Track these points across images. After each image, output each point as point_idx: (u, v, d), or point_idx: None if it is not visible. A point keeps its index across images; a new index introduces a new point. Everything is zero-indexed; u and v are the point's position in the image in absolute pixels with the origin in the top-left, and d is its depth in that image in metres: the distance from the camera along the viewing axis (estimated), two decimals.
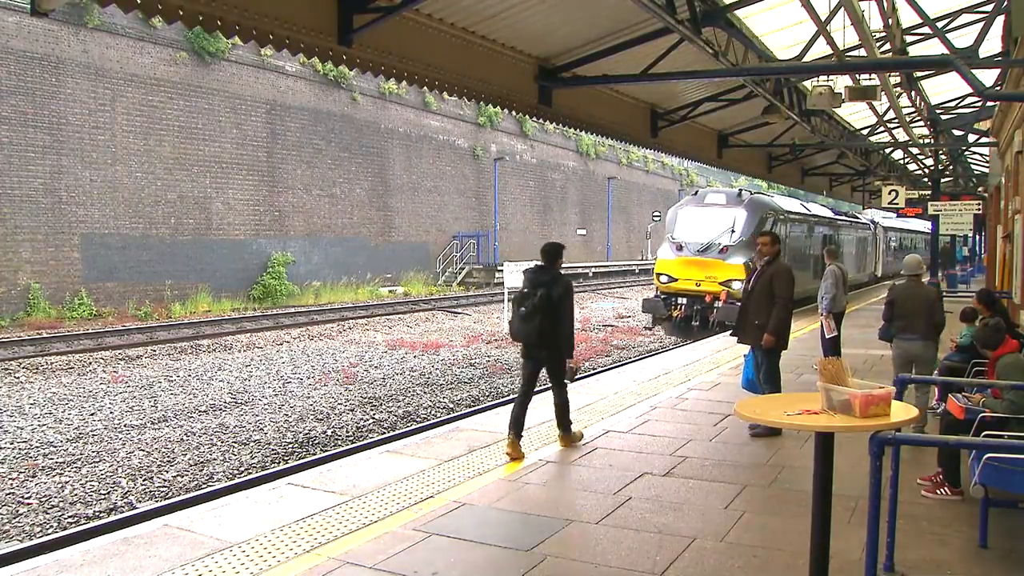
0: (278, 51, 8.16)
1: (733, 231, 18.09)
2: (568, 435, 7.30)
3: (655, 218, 51.63)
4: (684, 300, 18.25)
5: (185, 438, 10.31)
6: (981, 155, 28.01)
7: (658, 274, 18.91)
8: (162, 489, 8.53)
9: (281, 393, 13.18)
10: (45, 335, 18.27)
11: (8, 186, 20.69)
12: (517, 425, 6.92)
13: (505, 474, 6.37)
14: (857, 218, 31.30)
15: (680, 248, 18.54)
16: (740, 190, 19.29)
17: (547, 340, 6.92)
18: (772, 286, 7.88)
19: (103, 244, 22.85)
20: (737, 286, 16.39)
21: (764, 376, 7.95)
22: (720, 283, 17.63)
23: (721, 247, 18.02)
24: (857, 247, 29.38)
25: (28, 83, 21.04)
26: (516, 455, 6.83)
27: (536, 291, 6.90)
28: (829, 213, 26.71)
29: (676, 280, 18.36)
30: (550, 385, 7.37)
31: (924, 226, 44.29)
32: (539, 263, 7.21)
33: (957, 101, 20.36)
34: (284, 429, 10.89)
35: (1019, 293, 12.59)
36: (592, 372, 14.02)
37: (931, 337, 7.84)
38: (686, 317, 18.32)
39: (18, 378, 14.01)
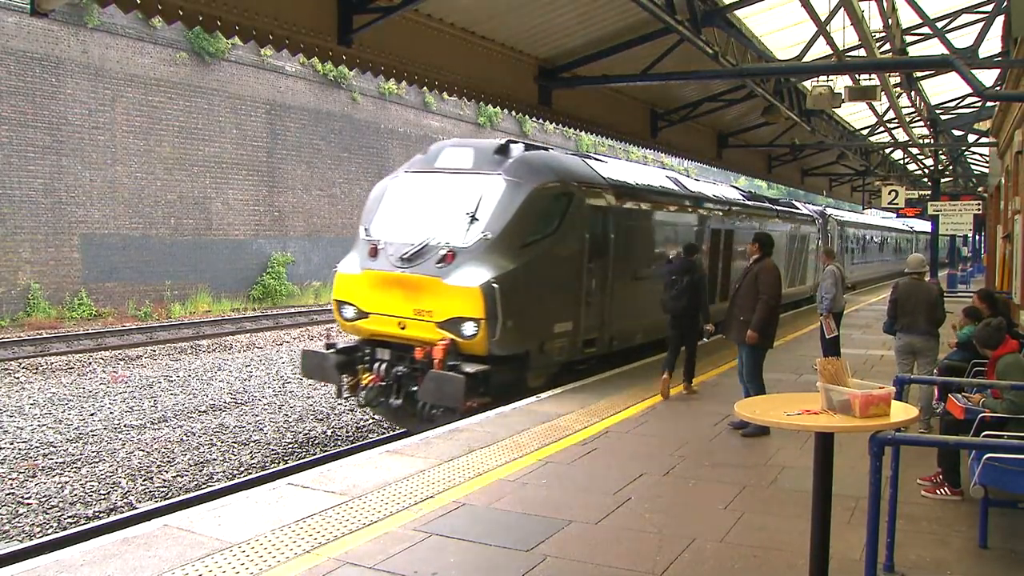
0: (278, 51, 8.17)
1: (475, 218, 9.30)
2: (690, 385, 9.74)
3: None
4: (387, 355, 9.56)
5: (185, 438, 10.31)
6: (981, 155, 28.04)
7: (338, 302, 9.97)
8: (162, 489, 8.53)
9: (281, 393, 13.18)
10: (45, 335, 18.26)
11: (8, 186, 20.68)
12: (669, 365, 9.47)
13: (505, 474, 6.37)
14: (795, 208, 22.31)
15: (375, 253, 9.64)
16: (507, 142, 10.15)
17: (689, 313, 9.53)
18: (757, 284, 7.92)
19: (103, 244, 22.85)
20: (471, 330, 8.82)
21: (747, 375, 8.07)
22: (439, 324, 9.03)
23: (444, 252, 9.16)
24: (790, 248, 20.30)
25: (28, 83, 21.04)
26: (665, 393, 9.33)
27: (683, 277, 9.51)
28: (720, 192, 16.84)
29: (366, 315, 9.63)
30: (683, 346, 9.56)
31: (900, 223, 40.60)
32: (681, 255, 10.10)
33: (957, 101, 20.39)
34: (284, 429, 10.89)
35: (1019, 293, 12.59)
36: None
37: (933, 333, 8.10)
38: (390, 387, 9.46)
39: (18, 378, 14.00)
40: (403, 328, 9.34)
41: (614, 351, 11.33)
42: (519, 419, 8.21)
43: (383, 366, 9.46)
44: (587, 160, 11.49)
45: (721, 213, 15.38)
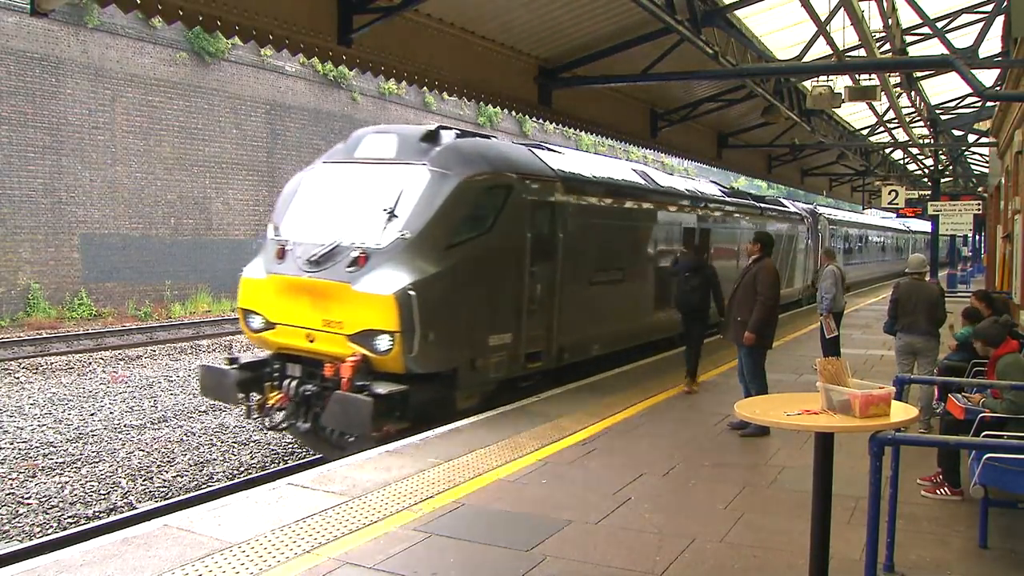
0: (278, 51, 8.17)
1: (393, 215, 8.09)
2: (694, 381, 9.92)
3: None
4: (298, 371, 8.35)
5: (185, 438, 10.31)
6: (981, 155, 28.04)
7: (244, 311, 8.82)
8: (162, 489, 8.53)
9: None
10: (45, 335, 18.26)
11: (8, 186, 20.68)
12: (692, 366, 9.94)
13: (505, 474, 6.37)
14: (782, 206, 20.87)
15: (282, 255, 8.51)
16: (437, 128, 8.95)
17: (701, 309, 9.88)
18: (756, 284, 7.90)
19: (103, 244, 22.84)
20: (385, 344, 7.65)
21: (748, 375, 8.06)
22: (350, 337, 7.85)
23: (356, 254, 8.00)
24: (777, 248, 16.78)
25: (28, 83, 21.03)
26: (690, 389, 9.82)
27: (695, 275, 9.87)
28: (696, 187, 15.17)
29: (273, 326, 8.47)
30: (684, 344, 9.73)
31: (896, 223, 39.66)
32: (688, 254, 11.02)
33: (957, 101, 20.39)
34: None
35: (1019, 293, 12.59)
36: None
37: (933, 333, 8.12)
38: (300, 407, 8.23)
39: (18, 378, 14.00)
40: (312, 341, 8.10)
41: (565, 365, 10.11)
42: (519, 419, 8.21)
43: (293, 384, 8.21)
44: (535, 150, 10.26)
45: (696, 210, 14.16)
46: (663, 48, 11.40)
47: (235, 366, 8.53)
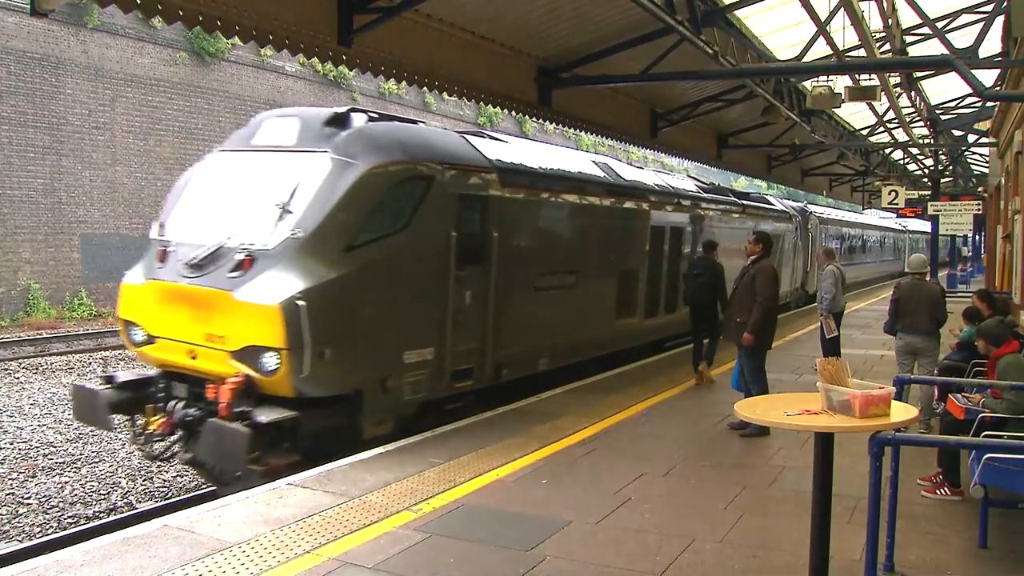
0: (278, 51, 8.17)
1: (287, 211, 6.99)
2: (709, 369, 10.26)
3: None
4: (183, 391, 7.31)
5: None
6: (981, 155, 28.04)
7: (123, 322, 7.77)
8: (162, 489, 8.53)
9: None
10: (45, 335, 18.26)
11: (8, 186, 20.67)
12: (698, 356, 10.36)
13: (505, 474, 6.37)
14: (767, 204, 19.52)
15: (163, 257, 7.47)
16: (347, 110, 7.81)
17: (710, 305, 10.11)
18: (755, 285, 7.89)
19: (103, 244, 22.84)
20: (271, 363, 6.58)
21: (749, 376, 8.05)
22: (233, 354, 6.77)
23: (241, 256, 6.89)
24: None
25: (28, 83, 21.03)
26: (699, 380, 10.16)
27: (704, 272, 10.24)
28: (668, 182, 13.86)
29: (153, 340, 7.38)
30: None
31: (893, 222, 39.08)
32: (701, 253, 10.98)
33: (957, 101, 20.40)
34: None
35: (1019, 293, 12.59)
36: None
37: (934, 333, 8.11)
38: (183, 433, 7.23)
39: (18, 378, 14.00)
40: (194, 358, 6.98)
41: (504, 382, 8.95)
42: (519, 419, 8.21)
43: (177, 405, 7.12)
44: (470, 137, 9.04)
45: (667, 207, 12.92)
46: (663, 48, 11.40)
47: (109, 385, 7.35)
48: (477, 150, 8.77)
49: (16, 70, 20.85)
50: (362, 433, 7.23)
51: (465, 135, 9.12)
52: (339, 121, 7.55)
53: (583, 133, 26.88)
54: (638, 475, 6.40)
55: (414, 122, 8.98)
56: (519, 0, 9.70)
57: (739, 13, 11.20)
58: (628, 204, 11.72)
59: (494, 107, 12.67)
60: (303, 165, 7.24)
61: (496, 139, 9.77)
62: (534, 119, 19.70)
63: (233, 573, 4.44)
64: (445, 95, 11.10)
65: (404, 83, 9.80)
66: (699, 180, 16.85)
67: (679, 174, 18.12)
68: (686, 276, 11.01)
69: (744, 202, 17.16)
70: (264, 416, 6.47)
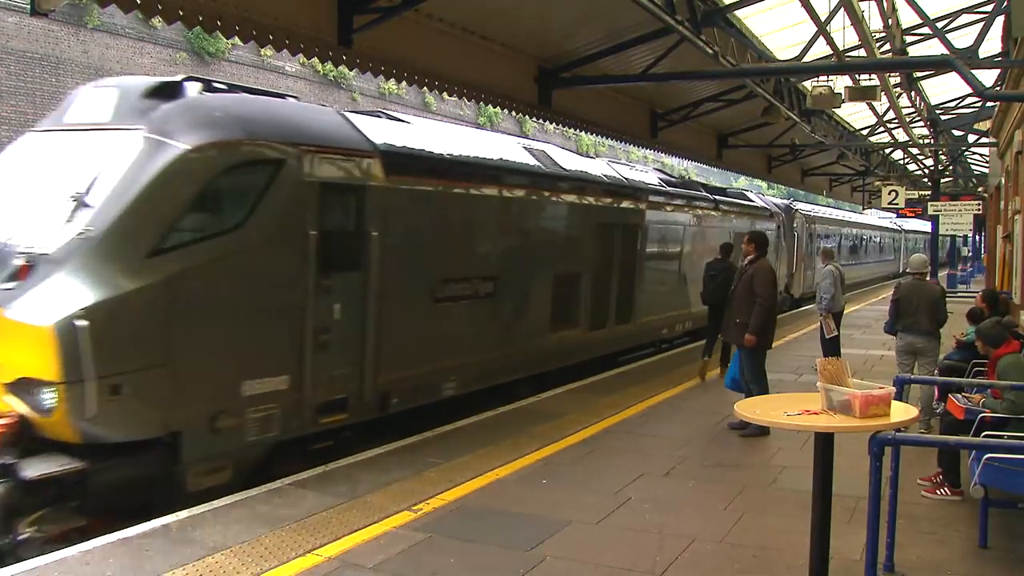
0: (278, 51, 8.16)
1: (84, 204, 5.57)
2: (707, 367, 10.67)
3: None
4: None
5: None
6: (981, 155, 28.05)
7: None
8: None
9: None
10: None
11: None
12: (708, 351, 10.82)
13: (505, 474, 6.37)
14: (745, 200, 18.01)
15: None
16: (181, 80, 6.53)
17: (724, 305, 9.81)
18: (753, 286, 7.89)
19: None
20: (48, 400, 5.18)
21: (749, 376, 8.04)
22: (8, 387, 5.35)
23: (17, 264, 5.45)
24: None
25: (28, 83, 21.03)
26: (703, 375, 10.53)
27: (720, 274, 10.73)
28: (624, 174, 12.54)
29: None
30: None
31: (887, 221, 38.51)
32: (718, 256, 11.48)
33: (957, 101, 20.41)
34: None
35: (1019, 293, 12.59)
36: None
37: (934, 333, 8.10)
38: None
39: None
40: None
41: (392, 412, 7.51)
42: (519, 419, 8.21)
43: None
44: (351, 115, 7.64)
45: (620, 202, 11.58)
46: (663, 48, 11.40)
47: None
48: (358, 131, 7.27)
49: (16, 70, 20.86)
50: (184, 485, 5.82)
51: (348, 113, 7.74)
52: (163, 92, 6.20)
53: (583, 133, 26.88)
54: (638, 475, 6.40)
55: (281, 96, 7.61)
56: (519, 0, 9.70)
57: (739, 13, 11.20)
58: (567, 198, 10.30)
59: (494, 107, 12.66)
60: (112, 146, 5.88)
61: (397, 119, 8.44)
62: (534, 119, 19.63)
63: (233, 573, 4.44)
64: (445, 95, 11.09)
65: (404, 83, 9.79)
66: (665, 173, 15.82)
67: (649, 167, 16.83)
68: (704, 278, 11.53)
69: (716, 197, 15.85)
70: (32, 470, 5.08)
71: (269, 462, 6.43)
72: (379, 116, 8.35)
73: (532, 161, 9.86)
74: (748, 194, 19.41)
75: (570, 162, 10.98)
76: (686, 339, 14.35)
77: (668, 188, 13.68)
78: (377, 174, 7.17)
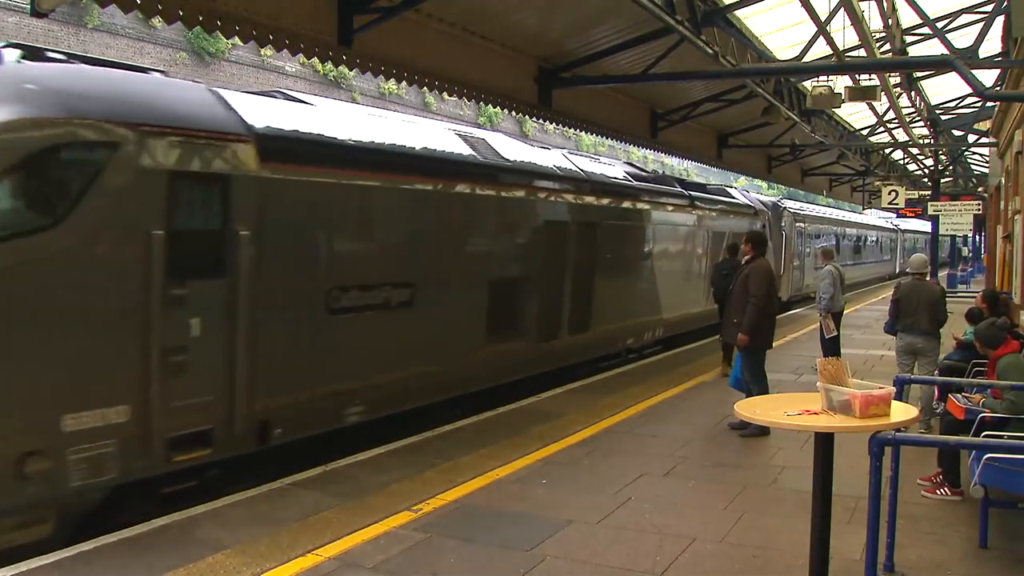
0: (278, 51, 8.16)
1: None
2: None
3: None
4: None
5: None
6: (981, 155, 28.04)
7: None
8: None
9: None
10: None
11: None
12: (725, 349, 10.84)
13: (505, 474, 6.37)
14: (726, 197, 16.96)
15: None
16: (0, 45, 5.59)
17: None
18: (748, 285, 7.90)
19: None
20: None
21: (749, 376, 8.05)
22: None
23: None
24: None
25: None
26: (724, 371, 10.44)
27: (730, 273, 10.17)
28: (583, 166, 11.51)
29: None
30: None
31: (881, 221, 38.30)
32: (727, 256, 11.83)
33: (957, 101, 20.40)
34: None
35: (1019, 293, 12.59)
36: None
37: (934, 333, 8.11)
38: None
39: None
40: None
41: (282, 444, 6.41)
42: (519, 419, 8.21)
43: None
44: (223, 92, 6.44)
45: (574, 198, 10.44)
46: (663, 48, 11.40)
47: None
48: (231, 111, 6.14)
49: None
50: None
51: (226, 91, 6.57)
52: None
53: (583, 133, 26.93)
54: (638, 475, 6.40)
55: (144, 70, 6.55)
56: (519, 0, 9.70)
57: (739, 13, 11.20)
58: (509, 193, 9.11)
59: (494, 107, 12.65)
60: None
61: (298, 101, 7.45)
62: (534, 119, 19.60)
63: (234, 573, 4.45)
64: (445, 95, 11.08)
65: (404, 83, 9.78)
66: (635, 167, 14.55)
67: (618, 160, 15.56)
68: (715, 278, 11.88)
69: (692, 194, 14.66)
70: None
71: (116, 508, 5.38)
72: (275, 96, 7.34)
73: (465, 150, 8.72)
74: (730, 190, 18.53)
75: (515, 152, 9.81)
76: (659, 347, 13.47)
77: (634, 183, 12.58)
78: (249, 162, 6.00)
